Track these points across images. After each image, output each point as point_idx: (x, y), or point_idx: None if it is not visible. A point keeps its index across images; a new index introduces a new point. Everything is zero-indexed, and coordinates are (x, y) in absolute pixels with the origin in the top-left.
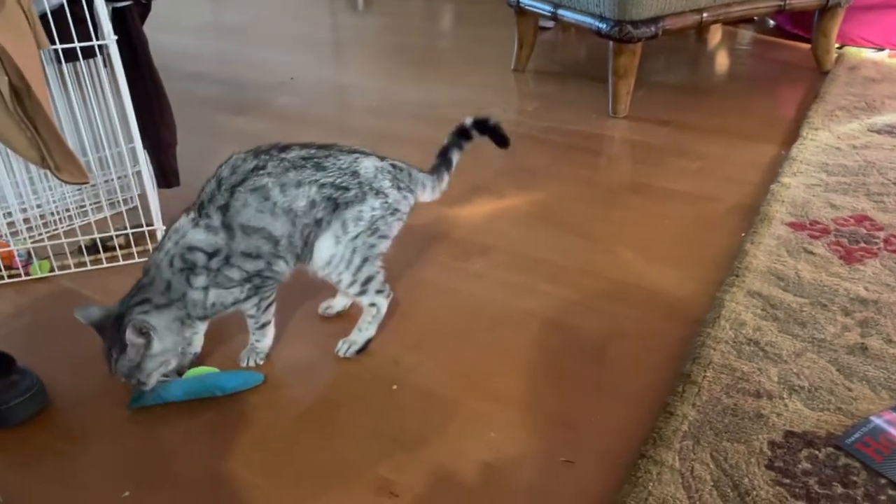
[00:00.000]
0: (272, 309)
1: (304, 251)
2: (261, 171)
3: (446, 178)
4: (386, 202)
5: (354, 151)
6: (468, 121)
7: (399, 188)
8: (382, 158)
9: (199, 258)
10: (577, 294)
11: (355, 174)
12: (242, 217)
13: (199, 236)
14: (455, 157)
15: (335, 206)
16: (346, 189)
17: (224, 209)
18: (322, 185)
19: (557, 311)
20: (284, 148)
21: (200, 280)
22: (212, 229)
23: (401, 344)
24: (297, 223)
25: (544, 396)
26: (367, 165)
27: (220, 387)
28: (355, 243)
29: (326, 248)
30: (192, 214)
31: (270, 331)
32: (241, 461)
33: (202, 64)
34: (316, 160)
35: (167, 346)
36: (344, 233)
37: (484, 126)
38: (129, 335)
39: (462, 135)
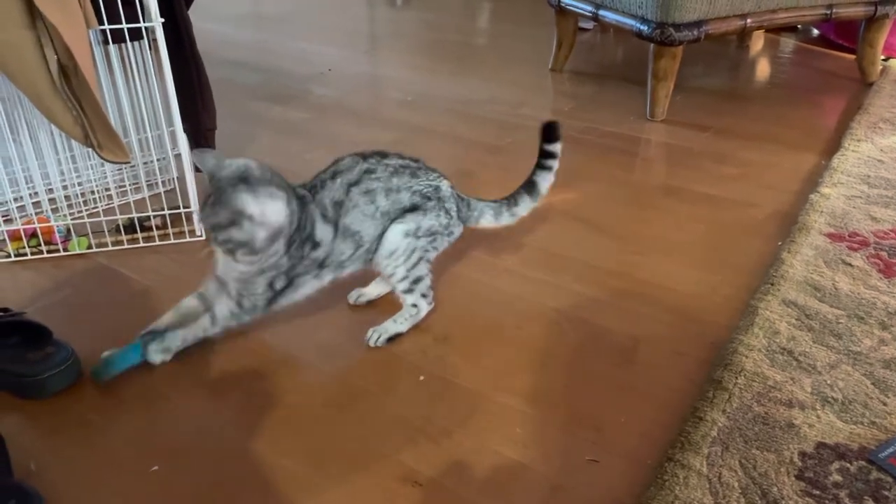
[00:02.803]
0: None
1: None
2: (372, 175)
3: (526, 202)
4: (449, 223)
5: (435, 170)
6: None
7: (459, 216)
8: (452, 186)
9: (307, 247)
10: (608, 294)
11: (437, 189)
12: (349, 218)
13: (319, 224)
14: (540, 179)
15: (413, 210)
16: (428, 199)
17: (339, 206)
18: (413, 192)
19: (587, 311)
20: (385, 155)
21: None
22: (327, 220)
23: (429, 335)
24: (383, 227)
25: (571, 395)
26: (445, 186)
27: None
28: (418, 243)
29: (394, 241)
30: (307, 193)
31: None
32: (268, 442)
33: (241, 52)
34: (411, 169)
35: None
36: (415, 231)
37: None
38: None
39: (544, 156)
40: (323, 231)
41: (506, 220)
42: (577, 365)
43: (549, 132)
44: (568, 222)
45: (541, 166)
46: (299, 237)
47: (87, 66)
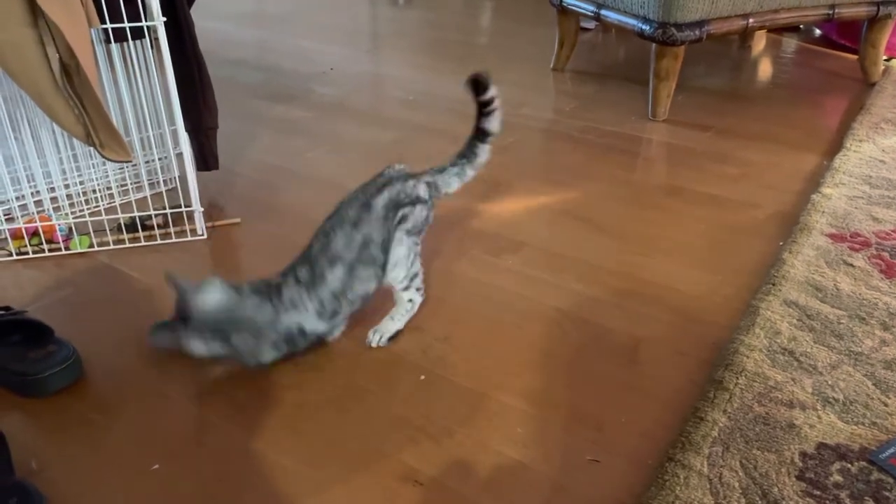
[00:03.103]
0: None
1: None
2: (370, 244)
3: (484, 150)
4: (428, 214)
5: (410, 177)
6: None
7: (432, 205)
8: (416, 178)
9: (300, 340)
10: (609, 294)
11: (415, 196)
12: (353, 293)
13: (311, 321)
14: (488, 123)
15: (403, 219)
16: (413, 205)
17: (342, 295)
18: (404, 217)
19: (588, 311)
20: (367, 205)
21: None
22: (323, 315)
23: (430, 334)
24: (383, 266)
25: (572, 394)
26: (422, 186)
27: None
28: (409, 241)
29: (394, 255)
30: (302, 291)
31: None
32: (269, 440)
33: (244, 51)
34: (395, 201)
35: None
36: (407, 235)
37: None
38: None
39: (484, 105)
40: (316, 325)
41: (471, 174)
42: (577, 365)
43: (477, 86)
44: (569, 222)
45: (484, 114)
46: (283, 339)
47: (89, 64)
